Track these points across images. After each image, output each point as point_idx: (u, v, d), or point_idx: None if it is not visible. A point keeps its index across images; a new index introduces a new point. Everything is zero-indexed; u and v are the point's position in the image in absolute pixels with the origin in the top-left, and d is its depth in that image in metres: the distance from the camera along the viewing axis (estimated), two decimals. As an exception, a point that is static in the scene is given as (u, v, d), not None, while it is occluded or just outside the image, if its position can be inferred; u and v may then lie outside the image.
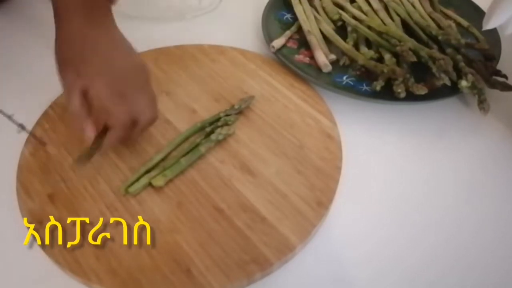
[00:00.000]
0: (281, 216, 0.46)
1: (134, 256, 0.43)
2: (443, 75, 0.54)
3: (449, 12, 0.67)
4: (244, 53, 0.63)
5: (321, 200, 0.47)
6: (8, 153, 0.52)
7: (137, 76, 0.48)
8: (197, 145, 0.51)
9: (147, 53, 0.62)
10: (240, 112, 0.55)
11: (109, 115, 0.46)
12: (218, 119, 0.53)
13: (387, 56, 0.58)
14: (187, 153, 0.50)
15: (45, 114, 0.55)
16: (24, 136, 0.53)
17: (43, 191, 0.48)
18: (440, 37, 0.58)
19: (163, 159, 0.50)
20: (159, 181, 0.48)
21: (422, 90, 0.53)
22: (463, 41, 0.58)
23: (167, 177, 0.48)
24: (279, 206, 0.46)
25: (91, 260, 0.43)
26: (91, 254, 0.43)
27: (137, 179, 0.48)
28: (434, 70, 0.54)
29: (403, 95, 0.54)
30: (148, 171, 0.49)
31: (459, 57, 0.56)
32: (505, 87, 0.55)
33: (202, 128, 0.53)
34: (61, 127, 0.54)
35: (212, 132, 0.52)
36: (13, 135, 0.53)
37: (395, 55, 0.58)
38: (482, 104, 0.53)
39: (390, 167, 0.52)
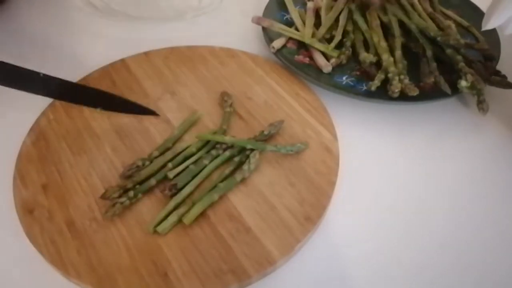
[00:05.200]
0: (266, 228, 0.45)
1: (115, 254, 0.43)
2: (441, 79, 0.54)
3: (449, 13, 0.65)
4: (253, 58, 0.62)
5: (309, 216, 0.45)
6: (10, 141, 0.53)
7: None
8: (226, 177, 0.48)
9: (158, 51, 0.62)
10: (270, 137, 0.52)
11: None
12: (245, 148, 0.50)
13: (385, 56, 0.56)
14: (214, 186, 0.47)
15: (52, 105, 0.57)
16: (28, 124, 0.54)
17: (38, 180, 0.49)
18: (438, 39, 0.57)
19: (192, 192, 0.47)
20: (190, 219, 0.44)
21: (413, 91, 0.52)
22: (462, 41, 0.56)
23: (197, 213, 0.45)
24: (266, 218, 0.45)
25: (72, 253, 0.43)
26: (73, 247, 0.44)
27: (165, 217, 0.45)
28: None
29: (396, 95, 0.53)
30: (176, 207, 0.45)
31: (458, 57, 0.55)
32: (506, 85, 0.55)
33: (230, 158, 0.50)
34: (65, 119, 0.55)
35: (241, 161, 0.49)
36: (17, 122, 0.55)
37: (393, 54, 0.57)
38: (481, 104, 0.52)
39: (389, 168, 0.51)
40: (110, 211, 0.44)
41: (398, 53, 0.57)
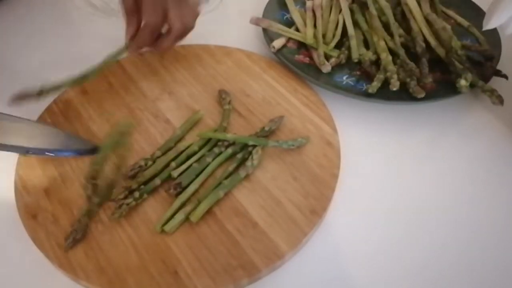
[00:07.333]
0: (273, 222, 0.45)
1: (123, 254, 0.43)
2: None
3: (450, 12, 0.66)
4: (249, 55, 0.62)
5: (314, 208, 0.46)
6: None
7: None
8: (230, 174, 0.48)
9: (152, 51, 0.62)
10: (271, 133, 0.52)
11: (143, 13, 0.50)
12: (247, 144, 0.50)
13: (383, 55, 0.57)
14: (219, 183, 0.47)
15: (49, 109, 0.56)
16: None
17: (39, 185, 0.49)
18: (432, 43, 0.58)
19: (197, 190, 0.47)
20: (197, 216, 0.45)
21: (421, 93, 0.53)
22: (458, 43, 0.57)
23: (204, 210, 0.45)
24: (271, 213, 0.46)
25: (80, 256, 0.43)
26: (80, 250, 0.43)
27: (172, 216, 0.45)
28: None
29: (395, 88, 0.54)
30: (182, 205, 0.46)
31: (456, 57, 0.56)
32: (495, 73, 0.56)
33: (233, 154, 0.50)
34: (63, 123, 0.55)
35: (244, 158, 0.49)
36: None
37: (392, 53, 0.57)
38: (494, 97, 0.52)
39: (390, 168, 0.51)
40: (117, 213, 0.44)
41: (402, 53, 0.57)
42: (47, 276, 0.43)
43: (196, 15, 0.54)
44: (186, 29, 0.53)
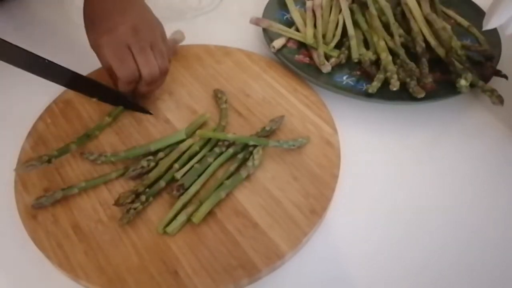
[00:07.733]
0: (273, 222, 0.45)
1: (123, 254, 0.43)
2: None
3: (450, 12, 0.66)
4: (249, 55, 0.62)
5: (314, 208, 0.46)
6: (9, 146, 0.52)
7: (150, 31, 0.51)
8: (231, 175, 0.48)
9: (153, 51, 0.62)
10: (272, 133, 0.52)
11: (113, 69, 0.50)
12: (248, 144, 0.50)
13: (383, 55, 0.57)
14: (221, 184, 0.47)
15: (48, 109, 0.56)
16: (26, 128, 0.54)
17: (39, 184, 0.49)
18: (432, 43, 0.58)
19: (198, 191, 0.47)
20: (199, 218, 0.45)
21: (421, 93, 0.53)
22: (458, 43, 0.57)
23: (206, 211, 0.45)
24: (272, 213, 0.46)
25: (80, 256, 0.43)
26: (80, 250, 0.43)
27: (174, 217, 0.45)
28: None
29: (395, 88, 0.54)
30: (184, 206, 0.46)
31: (456, 57, 0.56)
32: (495, 73, 0.56)
33: (234, 155, 0.50)
34: (62, 123, 0.55)
35: (245, 158, 0.49)
36: (14, 127, 0.54)
37: (392, 53, 0.58)
38: (494, 97, 0.53)
39: (390, 168, 0.51)
40: (125, 218, 0.44)
41: (402, 53, 0.57)
42: (47, 276, 0.43)
43: (167, 55, 0.53)
44: (155, 74, 0.51)
